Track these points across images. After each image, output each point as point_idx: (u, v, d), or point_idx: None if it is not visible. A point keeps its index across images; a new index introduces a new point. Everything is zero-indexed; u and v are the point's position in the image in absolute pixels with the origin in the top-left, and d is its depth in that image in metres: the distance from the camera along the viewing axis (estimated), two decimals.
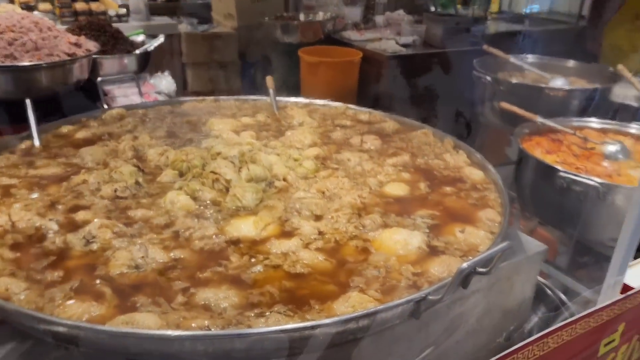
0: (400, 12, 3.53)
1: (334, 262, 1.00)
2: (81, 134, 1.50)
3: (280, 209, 1.16)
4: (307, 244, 1.05)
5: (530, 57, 2.33)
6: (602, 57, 2.60)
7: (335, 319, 0.77)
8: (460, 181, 1.35)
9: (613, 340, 1.15)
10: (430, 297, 0.85)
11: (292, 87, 3.00)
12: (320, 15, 3.64)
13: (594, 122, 1.74)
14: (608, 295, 1.08)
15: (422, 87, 2.65)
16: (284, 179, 1.29)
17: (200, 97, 1.81)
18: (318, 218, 1.14)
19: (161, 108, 1.73)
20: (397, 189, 1.29)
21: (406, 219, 1.16)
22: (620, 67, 2.02)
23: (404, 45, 3.13)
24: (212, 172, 1.22)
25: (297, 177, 1.31)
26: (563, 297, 1.32)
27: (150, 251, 0.96)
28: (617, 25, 2.67)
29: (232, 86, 3.78)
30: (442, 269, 0.98)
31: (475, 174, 1.37)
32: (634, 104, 1.97)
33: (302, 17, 3.70)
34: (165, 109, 1.72)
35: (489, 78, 2.07)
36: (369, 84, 2.99)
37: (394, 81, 2.88)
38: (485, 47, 2.35)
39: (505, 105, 1.83)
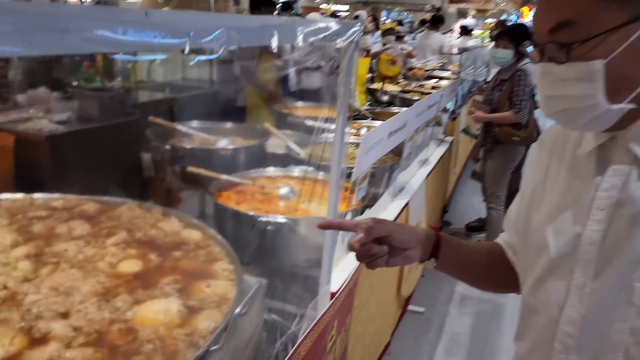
0: (44, 89, 3.38)
1: (105, 351, 1.01)
2: None
3: (16, 319, 1.07)
4: (68, 344, 1.02)
5: (195, 123, 2.63)
6: (248, 116, 3.13)
7: None
8: (184, 244, 1.48)
9: (333, 336, 1.48)
10: (212, 348, 0.98)
11: None
12: None
13: (269, 171, 2.13)
14: (324, 304, 1.40)
15: (95, 161, 2.64)
16: (5, 287, 1.18)
17: None
18: (65, 315, 1.11)
19: None
20: (131, 266, 1.34)
21: (154, 290, 1.23)
22: (266, 124, 2.50)
23: (60, 123, 3.03)
24: None
25: (18, 281, 1.22)
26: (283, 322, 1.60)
27: None
28: (250, 89, 3.26)
29: None
30: (207, 322, 1.11)
31: (193, 235, 1.53)
32: (285, 151, 2.48)
33: None
34: None
35: (167, 147, 2.26)
36: (30, 168, 2.78)
37: (60, 160, 2.76)
38: (151, 118, 2.53)
39: (191, 169, 2.05)
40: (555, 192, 0.89)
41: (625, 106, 0.75)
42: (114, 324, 1.07)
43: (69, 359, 0.95)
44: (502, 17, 16.71)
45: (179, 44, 0.64)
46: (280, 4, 5.82)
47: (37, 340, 1.01)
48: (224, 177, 2.02)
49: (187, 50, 0.67)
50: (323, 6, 15.23)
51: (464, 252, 1.09)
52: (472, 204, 4.56)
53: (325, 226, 1.06)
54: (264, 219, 1.71)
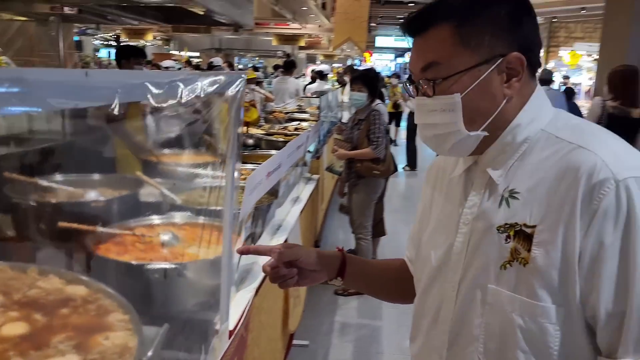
0: None
1: None
2: None
3: None
4: None
5: (58, 176, 2.50)
6: (118, 166, 3.03)
7: None
8: (70, 300, 1.43)
9: None
10: None
11: None
12: None
13: (147, 220, 2.10)
14: (224, 343, 1.43)
15: None
16: None
17: None
18: None
19: None
20: (16, 329, 1.26)
21: (47, 350, 1.18)
22: (138, 173, 2.48)
23: None
24: None
25: None
26: None
27: None
28: (117, 139, 3.17)
29: None
30: None
31: (78, 290, 1.48)
32: (159, 199, 2.46)
33: None
34: None
35: (31, 203, 2.13)
36: None
37: None
38: (6, 174, 2.37)
39: (63, 224, 1.96)
40: (435, 214, 1.06)
41: (480, 133, 0.91)
42: None
43: None
44: (348, 62, 18.00)
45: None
46: None
47: None
48: (100, 229, 1.96)
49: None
50: (174, 52, 15.13)
51: (369, 269, 1.24)
52: (340, 237, 4.82)
53: (244, 251, 1.16)
54: (153, 266, 1.70)
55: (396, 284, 1.23)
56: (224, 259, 1.39)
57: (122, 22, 5.34)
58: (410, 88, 0.99)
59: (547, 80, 7.67)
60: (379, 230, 4.17)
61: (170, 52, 11.98)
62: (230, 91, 1.24)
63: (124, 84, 0.82)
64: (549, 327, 0.85)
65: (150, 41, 10.46)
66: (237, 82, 1.24)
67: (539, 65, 0.97)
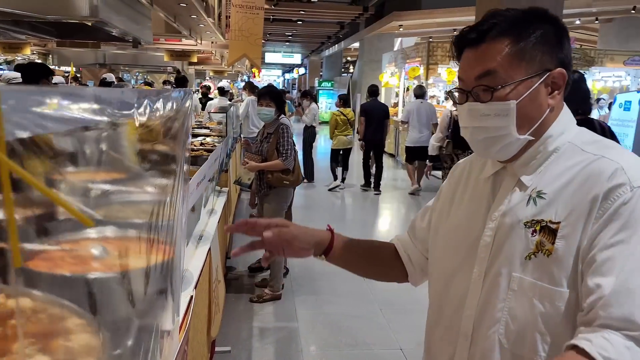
0: None
1: None
2: None
3: None
4: None
5: None
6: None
7: None
8: (17, 312, 1.45)
9: None
10: None
11: None
12: None
13: (69, 236, 2.11)
14: (175, 345, 1.53)
15: None
16: None
17: None
18: None
19: None
20: None
21: (12, 355, 1.22)
22: (48, 192, 2.45)
23: None
24: None
25: None
26: None
27: None
28: None
29: None
30: None
31: (22, 302, 1.50)
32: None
33: None
34: None
35: None
36: None
37: None
38: None
39: None
40: (461, 209, 1.16)
41: (527, 137, 1.01)
42: None
43: None
44: (241, 78, 18.07)
45: None
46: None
47: None
48: (26, 245, 1.95)
49: None
50: (54, 67, 14.25)
51: (355, 251, 1.35)
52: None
53: (232, 229, 1.28)
54: (91, 276, 1.75)
55: (381, 266, 1.38)
56: (175, 263, 1.50)
57: (9, 36, 5.08)
58: (457, 95, 1.08)
59: (421, 94, 8.65)
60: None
61: (52, 67, 11.31)
62: (182, 106, 1.37)
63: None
64: (562, 308, 0.94)
65: (26, 55, 9.82)
66: (187, 98, 1.37)
67: (570, 83, 1.06)
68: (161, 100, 1.19)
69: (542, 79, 1.00)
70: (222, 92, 7.39)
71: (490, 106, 1.00)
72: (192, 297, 2.07)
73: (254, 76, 31.07)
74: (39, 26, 4.20)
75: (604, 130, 2.96)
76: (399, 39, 16.97)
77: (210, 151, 3.99)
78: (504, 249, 1.02)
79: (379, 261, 1.39)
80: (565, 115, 1.07)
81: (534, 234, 0.99)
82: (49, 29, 4.37)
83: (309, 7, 14.25)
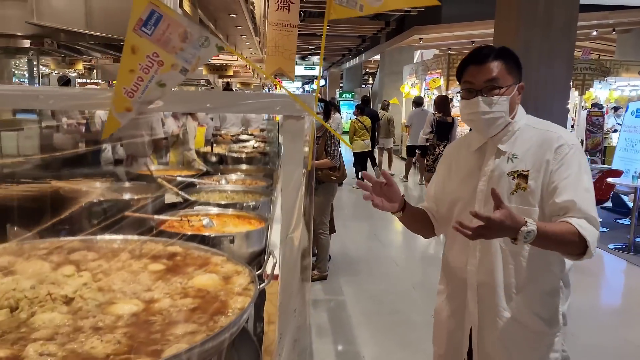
0: None
1: (198, 300, 1.64)
2: None
3: (129, 294, 1.62)
4: (173, 302, 1.62)
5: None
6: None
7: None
8: (175, 254, 2.09)
9: None
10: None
11: None
12: None
13: (182, 212, 2.76)
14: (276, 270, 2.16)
15: None
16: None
17: None
18: (149, 290, 1.68)
19: None
20: (158, 266, 1.92)
21: (186, 274, 1.85)
22: (159, 179, 3.10)
23: None
24: None
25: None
26: None
27: None
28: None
29: None
30: (241, 281, 1.80)
31: (175, 248, 2.14)
32: (176, 200, 3.09)
33: None
34: None
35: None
36: None
37: None
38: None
39: (129, 213, 2.58)
40: (460, 172, 1.86)
41: (510, 119, 1.76)
42: (186, 289, 1.67)
43: (181, 304, 1.54)
44: (267, 89, 18.83)
45: None
46: None
47: (151, 302, 1.56)
48: (157, 217, 2.60)
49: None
50: (97, 81, 15.18)
51: (413, 212, 1.96)
52: None
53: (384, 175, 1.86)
54: (217, 235, 2.38)
55: (423, 223, 2.02)
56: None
57: (89, 54, 5.83)
58: (465, 92, 1.80)
59: (419, 103, 10.24)
60: (331, 228, 5.01)
61: (96, 81, 12.16)
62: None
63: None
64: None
65: (79, 70, 10.67)
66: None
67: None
68: None
69: (517, 86, 1.79)
70: None
71: (493, 99, 1.73)
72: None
73: (275, 88, 31.94)
74: (114, 45, 4.95)
75: None
76: (419, 51, 17.59)
77: (262, 153, 4.66)
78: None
79: (422, 220, 2.06)
80: (522, 109, 1.87)
81: (514, 179, 1.72)
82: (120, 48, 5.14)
83: (334, 23, 14.95)
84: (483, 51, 1.76)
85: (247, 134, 7.34)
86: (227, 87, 9.82)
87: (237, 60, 9.67)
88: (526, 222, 1.46)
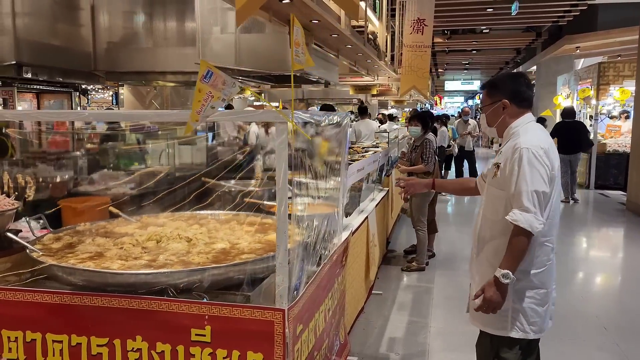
0: None
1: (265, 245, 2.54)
2: None
3: (222, 238, 2.59)
4: (250, 248, 2.54)
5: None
6: None
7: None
8: (258, 222, 3.03)
9: (344, 260, 3.04)
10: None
11: None
12: None
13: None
14: (342, 240, 2.97)
15: None
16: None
17: None
18: (239, 238, 2.62)
19: None
20: (250, 228, 2.88)
21: (267, 233, 2.77)
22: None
23: None
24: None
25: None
26: None
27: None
28: None
29: None
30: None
31: (254, 219, 3.08)
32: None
33: None
34: None
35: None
36: None
37: None
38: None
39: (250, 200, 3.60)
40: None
41: (492, 129, 2.42)
42: (261, 240, 2.58)
43: (253, 246, 2.45)
44: (418, 107, 19.47)
45: None
46: None
47: (236, 244, 2.50)
48: (266, 202, 3.59)
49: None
50: (265, 103, 17.41)
51: (445, 186, 2.94)
52: (404, 236, 6.30)
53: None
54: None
55: (464, 190, 2.86)
56: (339, 214, 2.95)
57: (245, 84, 7.21)
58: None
59: (570, 113, 9.63)
60: (432, 227, 5.62)
61: (263, 104, 14.09)
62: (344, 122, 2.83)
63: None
64: (503, 199, 2.24)
65: (247, 95, 12.61)
66: (346, 120, 2.83)
67: (525, 104, 2.37)
68: (334, 116, 2.68)
69: (497, 104, 2.37)
70: (391, 118, 8.88)
71: (483, 116, 2.48)
72: (349, 236, 3.48)
73: (436, 104, 32.30)
74: (265, 77, 6.21)
75: None
76: (581, 60, 16.75)
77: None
78: (488, 174, 2.40)
79: (462, 186, 2.93)
80: (521, 118, 2.35)
81: (494, 168, 2.34)
82: (271, 78, 6.38)
83: (482, 38, 15.13)
84: (483, 84, 2.54)
85: (378, 147, 8.17)
86: (362, 104, 10.83)
87: (373, 80, 10.62)
88: (496, 277, 2.17)
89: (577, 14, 12.32)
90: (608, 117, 12.09)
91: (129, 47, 5.87)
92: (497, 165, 2.30)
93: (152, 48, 5.88)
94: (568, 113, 9.78)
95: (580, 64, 16.69)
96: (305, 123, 2.20)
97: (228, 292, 2.13)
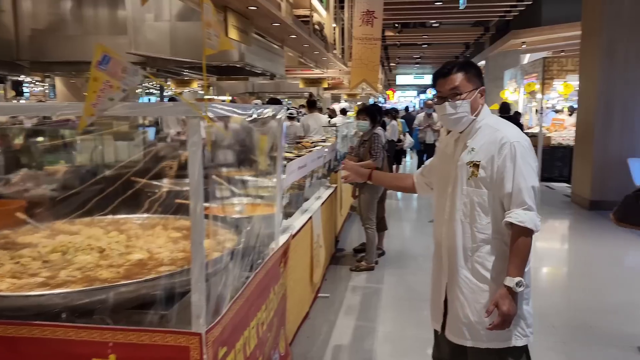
0: None
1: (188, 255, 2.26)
2: None
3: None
4: (172, 260, 2.26)
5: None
6: None
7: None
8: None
9: (282, 265, 2.80)
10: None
11: None
12: None
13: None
14: (280, 243, 2.72)
15: None
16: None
17: None
18: (162, 247, 2.34)
19: None
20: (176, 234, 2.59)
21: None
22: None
23: None
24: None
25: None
26: None
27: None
28: None
29: None
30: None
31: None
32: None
33: None
34: None
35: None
36: None
37: None
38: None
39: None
40: (444, 157, 2.24)
41: (473, 117, 2.09)
42: (186, 248, 2.30)
43: (174, 256, 2.18)
44: (370, 100, 19.41)
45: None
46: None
47: (156, 253, 2.21)
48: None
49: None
50: (214, 97, 16.90)
51: (381, 180, 2.72)
52: (354, 234, 6.11)
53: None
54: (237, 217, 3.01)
55: (399, 183, 2.74)
56: (277, 215, 2.70)
57: (185, 76, 6.85)
58: (436, 100, 2.22)
59: (504, 109, 9.98)
60: (382, 225, 5.46)
61: (212, 97, 13.65)
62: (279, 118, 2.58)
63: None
64: (486, 199, 2.05)
65: (194, 88, 12.15)
66: (281, 112, 2.57)
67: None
68: (267, 109, 2.42)
69: (477, 91, 2.12)
70: (343, 112, 8.71)
71: (457, 102, 2.09)
72: (289, 239, 3.24)
73: (389, 98, 32.46)
74: (208, 69, 5.90)
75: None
76: (527, 55, 17.08)
77: None
78: (459, 176, 2.12)
79: (399, 182, 2.77)
80: (485, 110, 2.16)
81: (470, 167, 2.09)
82: (212, 69, 6.03)
83: (432, 32, 15.18)
84: (447, 66, 2.16)
85: (327, 142, 7.94)
86: (310, 97, 10.60)
87: (323, 74, 10.40)
88: (509, 287, 1.97)
89: (523, 9, 12.51)
90: (553, 111, 12.34)
91: (55, 34, 5.41)
92: (476, 164, 2.07)
93: (81, 36, 5.43)
94: (503, 109, 10.11)
95: (527, 58, 17.03)
96: (223, 117, 1.93)
97: (142, 312, 1.85)
